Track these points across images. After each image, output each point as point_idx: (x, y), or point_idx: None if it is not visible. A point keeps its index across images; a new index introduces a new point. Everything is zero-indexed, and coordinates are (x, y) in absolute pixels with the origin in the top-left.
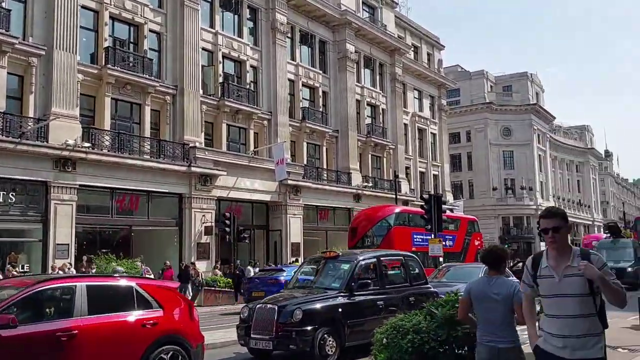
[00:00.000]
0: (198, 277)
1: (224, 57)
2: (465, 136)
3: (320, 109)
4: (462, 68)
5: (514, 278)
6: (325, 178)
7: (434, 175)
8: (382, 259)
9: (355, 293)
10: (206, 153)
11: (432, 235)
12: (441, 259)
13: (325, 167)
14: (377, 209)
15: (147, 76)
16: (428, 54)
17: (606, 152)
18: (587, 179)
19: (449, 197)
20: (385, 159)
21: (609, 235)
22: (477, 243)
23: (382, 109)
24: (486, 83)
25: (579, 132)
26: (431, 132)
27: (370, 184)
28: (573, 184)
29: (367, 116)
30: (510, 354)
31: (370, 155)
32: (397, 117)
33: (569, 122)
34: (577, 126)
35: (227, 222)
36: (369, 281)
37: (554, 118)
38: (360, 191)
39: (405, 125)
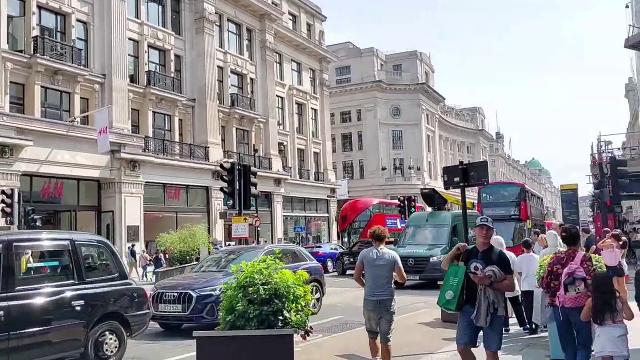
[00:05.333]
0: None
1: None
2: (356, 115)
3: (172, 75)
4: (354, 45)
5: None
6: (178, 152)
7: (314, 152)
8: (16, 244)
9: None
10: (4, 118)
11: (238, 213)
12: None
13: (178, 140)
14: (361, 200)
15: (76, 65)
16: (308, 24)
17: (497, 134)
18: (478, 159)
19: (332, 176)
20: (254, 134)
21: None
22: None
23: (251, 79)
24: (376, 61)
25: (470, 114)
26: (312, 108)
27: (233, 160)
28: None
29: (232, 85)
30: (387, 303)
31: (234, 129)
32: (268, 88)
33: (462, 104)
34: (469, 108)
35: (8, 200)
36: None
37: (444, 99)
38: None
39: (281, 98)
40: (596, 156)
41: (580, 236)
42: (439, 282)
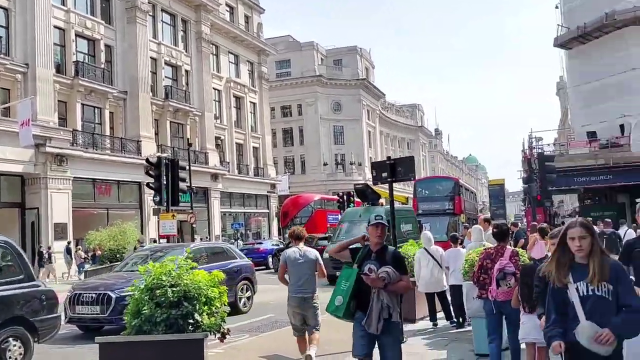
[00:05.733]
0: None
1: None
2: (297, 109)
3: (103, 65)
4: (294, 38)
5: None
6: (108, 147)
7: (254, 147)
8: None
9: None
10: None
11: (166, 210)
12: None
13: (109, 133)
14: (302, 196)
15: None
16: (246, 16)
17: (436, 130)
18: (417, 155)
19: (272, 171)
20: (189, 127)
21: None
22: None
23: (186, 71)
24: (316, 55)
25: (410, 110)
26: (250, 101)
27: (167, 154)
28: None
29: (166, 77)
30: (310, 301)
31: (169, 122)
32: (204, 80)
33: (408, 100)
34: (409, 104)
35: None
36: None
37: (384, 95)
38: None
39: (218, 91)
40: (527, 152)
41: (509, 233)
42: None
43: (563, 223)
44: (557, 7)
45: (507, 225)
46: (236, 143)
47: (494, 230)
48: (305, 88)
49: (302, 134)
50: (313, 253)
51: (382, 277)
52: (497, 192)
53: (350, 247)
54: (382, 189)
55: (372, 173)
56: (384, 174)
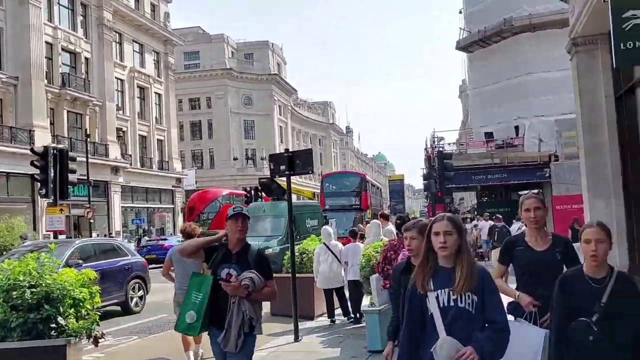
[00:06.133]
0: None
1: None
2: (206, 102)
3: None
4: (203, 30)
5: None
6: None
7: (158, 140)
8: None
9: None
10: None
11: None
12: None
13: None
14: (210, 191)
15: None
16: (152, 5)
17: (347, 128)
18: (329, 152)
19: (177, 165)
20: (88, 117)
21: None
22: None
23: (86, 58)
24: (227, 48)
25: (322, 107)
26: (156, 92)
27: (63, 145)
28: (316, 156)
29: (63, 64)
30: None
31: (66, 112)
32: (106, 69)
33: (314, 97)
34: (321, 102)
35: None
36: None
37: (296, 91)
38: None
39: (121, 80)
40: (429, 150)
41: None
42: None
43: (463, 220)
44: (460, 12)
45: (408, 217)
46: (140, 135)
47: (397, 221)
48: (215, 81)
49: (211, 128)
50: None
51: (246, 284)
52: (397, 187)
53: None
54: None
55: (269, 166)
56: (282, 167)
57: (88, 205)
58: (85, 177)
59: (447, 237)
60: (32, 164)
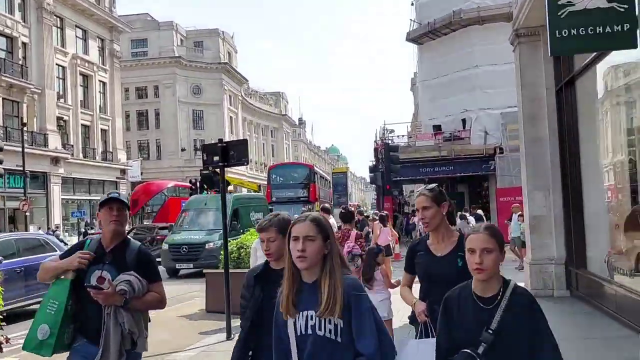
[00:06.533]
0: None
1: None
2: (153, 91)
3: None
4: (152, 17)
5: None
6: None
7: (102, 130)
8: None
9: None
10: None
11: None
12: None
13: None
14: (154, 183)
15: None
16: None
17: (300, 119)
18: (281, 143)
19: (122, 155)
20: (26, 105)
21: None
22: None
23: (23, 43)
24: (176, 36)
25: (274, 98)
26: (100, 80)
27: None
28: (268, 148)
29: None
30: None
31: (1, 99)
32: (46, 55)
33: (266, 88)
34: (273, 92)
35: None
36: None
37: (247, 81)
38: None
39: (63, 67)
40: (378, 142)
41: (354, 216)
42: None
43: (412, 212)
44: (412, 4)
45: (351, 208)
46: (82, 125)
47: (341, 211)
48: (163, 69)
49: (158, 118)
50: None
51: (122, 289)
52: (341, 180)
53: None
54: (232, 175)
55: (202, 157)
56: (216, 158)
57: (24, 198)
58: (21, 168)
59: (308, 244)
60: None
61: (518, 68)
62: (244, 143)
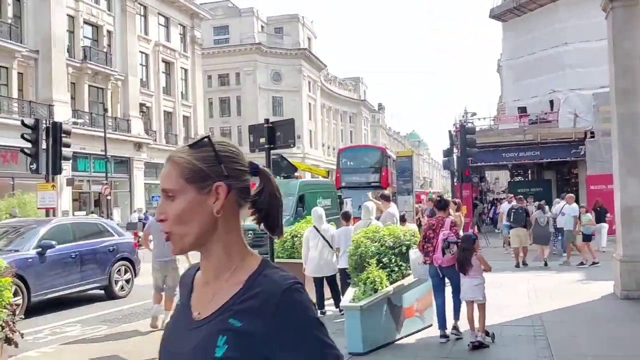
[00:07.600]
0: None
1: None
2: (235, 78)
3: (10, 21)
4: (233, 4)
5: None
6: (16, 110)
7: (184, 116)
8: None
9: None
10: None
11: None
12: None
13: (17, 96)
14: None
15: None
16: None
17: (379, 105)
18: (359, 129)
19: None
20: (110, 92)
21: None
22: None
23: (108, 31)
24: (256, 22)
25: (353, 83)
26: (182, 67)
27: (83, 120)
28: (346, 133)
29: (85, 37)
30: (172, 262)
31: (87, 86)
32: (129, 43)
33: (345, 74)
34: (352, 77)
35: None
36: None
37: (326, 66)
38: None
39: (146, 55)
40: (457, 126)
41: (448, 204)
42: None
43: (497, 200)
44: None
45: (447, 197)
46: (164, 111)
47: (437, 198)
48: (244, 56)
49: (239, 104)
50: None
51: None
52: (405, 164)
53: None
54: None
55: (249, 139)
56: (262, 140)
57: (105, 182)
58: (104, 153)
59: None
60: (22, 136)
61: (611, 37)
62: (290, 122)
